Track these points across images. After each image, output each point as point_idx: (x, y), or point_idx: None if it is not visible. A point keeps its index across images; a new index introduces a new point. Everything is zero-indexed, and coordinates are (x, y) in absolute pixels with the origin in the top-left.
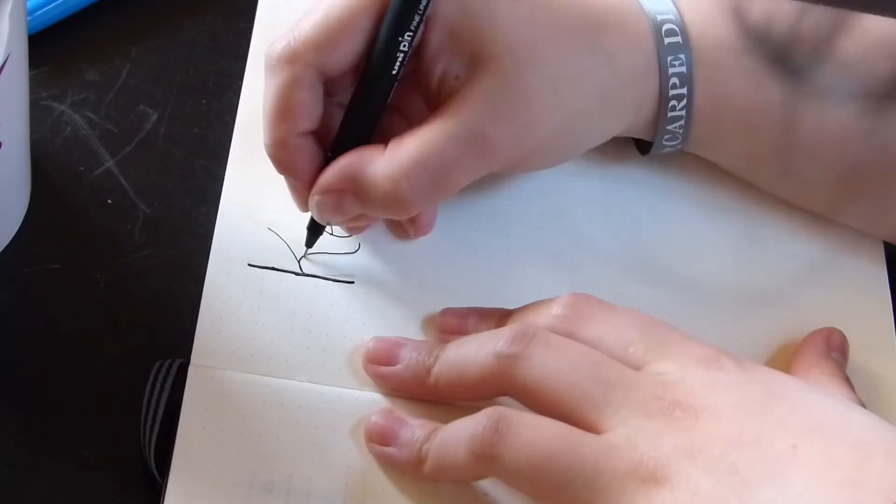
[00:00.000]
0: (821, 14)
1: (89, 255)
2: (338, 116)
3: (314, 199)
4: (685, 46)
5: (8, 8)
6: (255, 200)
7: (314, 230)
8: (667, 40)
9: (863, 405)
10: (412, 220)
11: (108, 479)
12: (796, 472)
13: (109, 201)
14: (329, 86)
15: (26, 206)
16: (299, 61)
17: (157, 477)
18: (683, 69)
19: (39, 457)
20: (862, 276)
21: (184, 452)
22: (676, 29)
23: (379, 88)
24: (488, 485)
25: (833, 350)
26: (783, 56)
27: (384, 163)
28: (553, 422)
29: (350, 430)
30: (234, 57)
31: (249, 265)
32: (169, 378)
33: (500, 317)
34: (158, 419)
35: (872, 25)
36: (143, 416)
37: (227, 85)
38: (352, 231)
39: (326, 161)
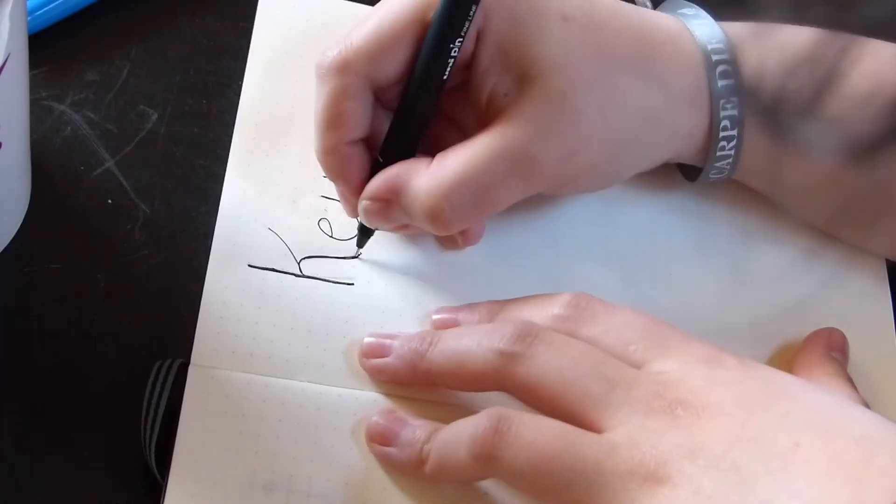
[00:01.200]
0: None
1: (89, 255)
2: (387, 123)
3: (362, 204)
4: (739, 89)
5: (8, 8)
6: (255, 200)
7: (364, 232)
8: (721, 82)
9: (866, 405)
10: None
11: (108, 479)
12: (798, 468)
13: (109, 201)
14: (378, 93)
15: (26, 206)
16: (350, 71)
17: (158, 477)
18: (735, 112)
19: (39, 457)
20: (862, 276)
21: (184, 452)
22: (730, 70)
23: (428, 95)
24: (489, 484)
25: (834, 350)
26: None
27: (426, 178)
28: (554, 422)
29: (350, 430)
30: (234, 57)
31: (249, 266)
32: (169, 378)
33: (489, 308)
34: (159, 419)
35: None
36: (143, 416)
37: (227, 85)
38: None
39: (376, 165)
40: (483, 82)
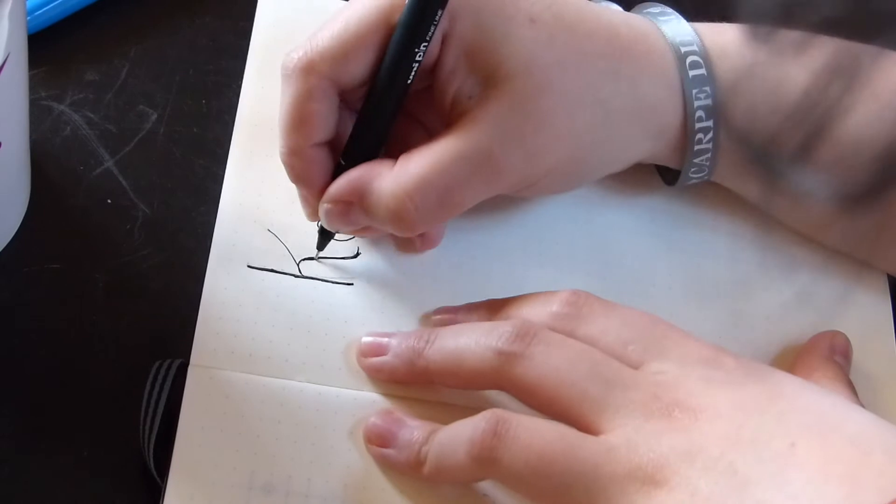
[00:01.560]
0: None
1: (89, 255)
2: (350, 125)
3: (323, 207)
4: (710, 78)
5: (7, 8)
6: (254, 201)
7: (325, 234)
8: (691, 73)
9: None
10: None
11: (108, 479)
12: (795, 470)
13: (109, 201)
14: (344, 95)
15: (26, 206)
16: (315, 72)
17: (156, 477)
18: (709, 101)
19: (39, 457)
20: (861, 277)
21: (183, 453)
22: (700, 61)
23: (391, 98)
24: (487, 486)
25: (837, 354)
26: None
27: (390, 179)
28: (552, 424)
29: (349, 431)
30: (233, 57)
31: (249, 266)
32: (168, 378)
33: (489, 306)
34: (157, 419)
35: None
36: (141, 417)
37: (227, 85)
38: (360, 236)
39: (338, 168)
40: (448, 85)
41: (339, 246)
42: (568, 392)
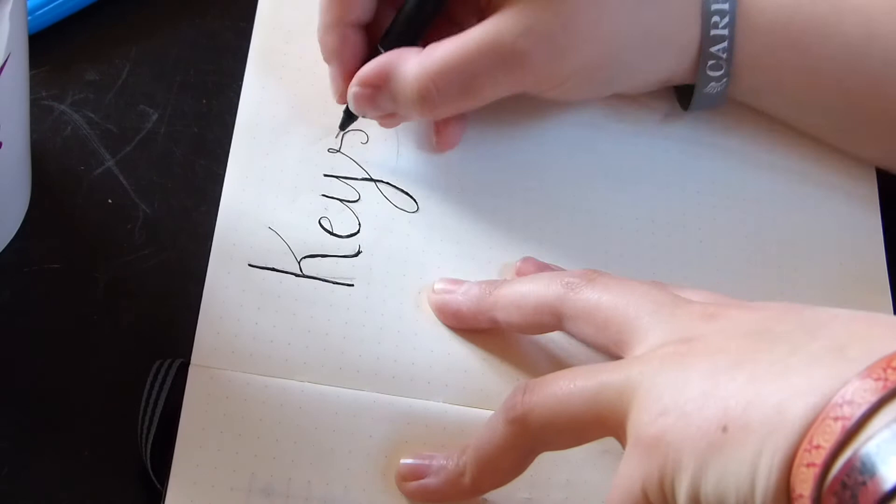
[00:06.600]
0: None
1: (89, 255)
2: (390, 17)
3: (352, 89)
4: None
5: (8, 8)
6: (255, 200)
7: (350, 116)
8: None
9: None
10: (438, 132)
11: (108, 479)
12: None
13: (109, 201)
14: None
15: (26, 205)
16: None
17: (153, 477)
18: (727, 11)
19: (39, 457)
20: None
21: (184, 454)
22: None
23: None
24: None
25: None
26: None
27: (416, 63)
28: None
29: (350, 432)
30: (234, 57)
31: (250, 265)
32: (168, 378)
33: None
34: (156, 419)
35: None
36: (140, 417)
37: (227, 85)
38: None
39: (374, 54)
40: None
41: (340, 244)
42: (624, 311)
